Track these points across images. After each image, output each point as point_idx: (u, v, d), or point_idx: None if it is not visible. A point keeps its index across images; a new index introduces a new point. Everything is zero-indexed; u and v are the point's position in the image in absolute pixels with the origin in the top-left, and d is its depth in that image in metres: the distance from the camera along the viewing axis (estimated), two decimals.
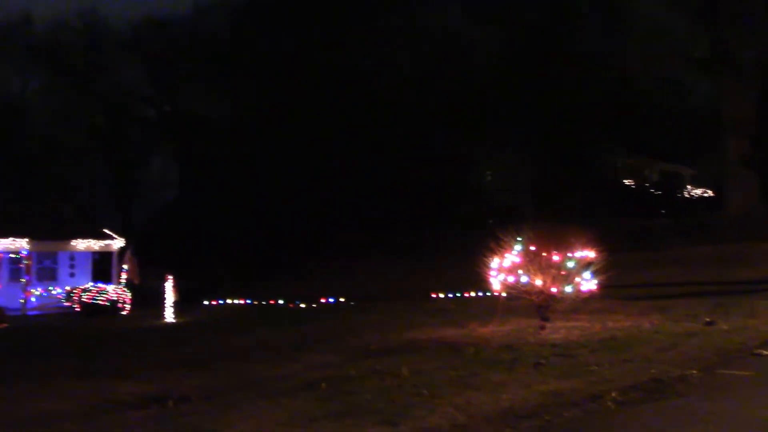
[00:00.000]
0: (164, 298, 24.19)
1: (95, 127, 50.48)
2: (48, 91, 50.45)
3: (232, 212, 42.90)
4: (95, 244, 29.05)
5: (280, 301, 28.04)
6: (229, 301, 29.82)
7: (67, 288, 28.25)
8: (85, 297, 27.08)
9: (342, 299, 26.87)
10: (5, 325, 23.39)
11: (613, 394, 8.58)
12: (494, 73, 41.21)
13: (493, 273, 15.31)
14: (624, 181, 47.90)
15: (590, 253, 14.65)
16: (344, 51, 42.45)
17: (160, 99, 51.41)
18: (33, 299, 27.53)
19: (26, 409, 9.75)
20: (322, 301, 26.92)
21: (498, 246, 15.33)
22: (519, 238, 15.00)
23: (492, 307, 17.24)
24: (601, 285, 14.86)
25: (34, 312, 26.94)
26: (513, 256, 15.00)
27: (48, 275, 29.05)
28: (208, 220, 43.47)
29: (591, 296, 14.91)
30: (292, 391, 9.73)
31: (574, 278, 14.53)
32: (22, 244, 26.79)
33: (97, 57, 50.33)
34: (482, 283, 16.12)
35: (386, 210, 39.95)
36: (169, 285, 24.21)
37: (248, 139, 44.26)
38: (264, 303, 28.44)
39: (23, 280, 27.12)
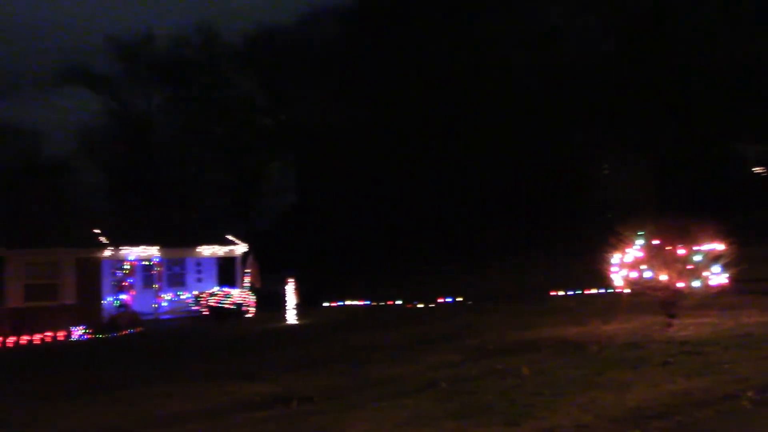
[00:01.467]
0: (285, 301, 24.87)
1: (216, 137, 52.50)
2: (171, 106, 52.90)
3: (350, 215, 43.56)
4: (219, 250, 30.22)
5: (398, 302, 28.24)
6: (348, 302, 30.31)
7: (195, 292, 29.53)
8: (212, 301, 28.21)
9: (459, 299, 26.76)
10: (140, 329, 24.69)
11: (749, 394, 8.11)
12: (610, 61, 39.98)
13: (614, 269, 14.81)
14: (754, 170, 45.33)
15: (719, 246, 13.90)
16: (458, 50, 42.34)
17: (276, 108, 52.89)
18: (164, 304, 28.93)
19: (159, 410, 10.23)
20: (440, 301, 26.91)
21: (618, 240, 14.81)
22: (641, 232, 14.43)
23: (614, 304, 16.73)
24: (732, 279, 14.09)
25: (166, 316, 28.29)
26: (635, 250, 14.44)
27: (177, 281, 30.44)
28: (326, 224, 44.33)
29: (721, 291, 14.16)
30: (412, 391, 9.76)
31: (701, 272, 13.84)
32: (153, 251, 28.20)
33: (215, 70, 52.38)
34: (603, 280, 15.62)
35: (501, 207, 39.49)
36: (290, 288, 24.87)
37: (364, 143, 44.83)
38: (382, 304, 28.73)
39: (155, 286, 28.54)
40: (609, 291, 19.88)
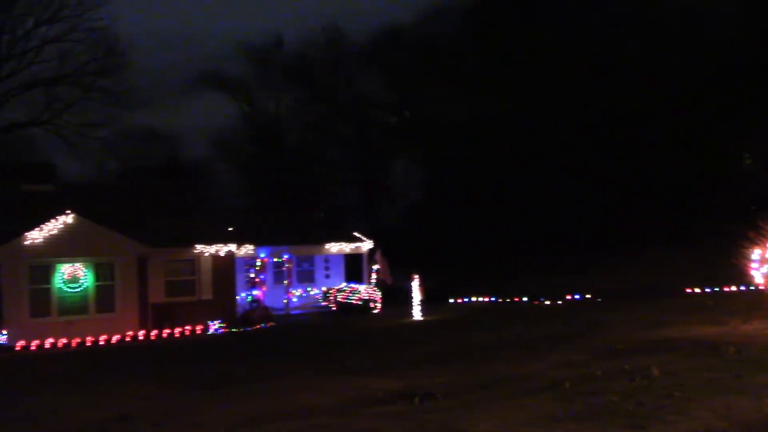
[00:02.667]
0: (411, 297, 25.06)
1: (342, 136, 53.55)
2: (299, 107, 54.40)
3: (477, 211, 43.30)
4: (347, 247, 30.83)
5: (525, 299, 27.86)
6: (474, 299, 30.19)
7: (324, 288, 30.29)
8: (340, 297, 28.85)
9: (588, 296, 26.09)
10: (272, 323, 25.58)
11: None
12: (752, 47, 37.69)
13: (754, 265, 13.99)
14: None
15: None
16: (587, 40, 41.20)
17: (401, 105, 53.31)
18: (294, 299, 29.84)
19: (290, 403, 10.58)
20: (568, 298, 26.33)
21: (760, 235, 13.98)
22: None
23: (755, 302, 15.80)
24: None
25: (296, 311, 29.17)
26: None
27: (306, 277, 31.33)
28: (451, 219, 44.27)
29: None
30: (535, 391, 9.63)
31: None
32: (283, 249, 29.13)
33: (342, 70, 53.43)
34: (743, 277, 14.79)
35: (634, 202, 38.11)
36: (415, 284, 25.04)
37: (490, 138, 44.41)
38: (508, 300, 28.44)
39: (285, 282, 29.48)
40: (750, 288, 18.81)
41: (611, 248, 34.86)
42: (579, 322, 18.49)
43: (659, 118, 38.98)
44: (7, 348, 21.47)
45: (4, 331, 21.75)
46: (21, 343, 21.56)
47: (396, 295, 28.69)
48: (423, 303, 24.89)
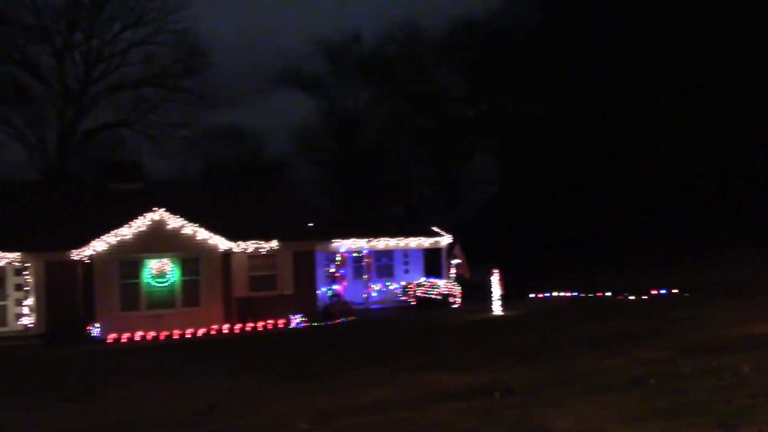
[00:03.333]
0: (491, 292, 24.89)
1: (420, 131, 53.54)
2: (377, 102, 54.69)
3: (556, 205, 42.63)
4: (425, 242, 30.84)
5: (608, 294, 27.26)
6: (554, 293, 29.72)
7: (403, 283, 30.39)
8: (419, 291, 28.90)
9: (675, 291, 25.32)
10: (352, 317, 25.84)
11: None
12: None
13: None
14: None
15: None
16: (666, 32, 39.97)
17: (477, 98, 52.94)
18: (374, 294, 30.05)
19: (366, 397, 10.66)
20: (653, 293, 25.63)
21: None
22: None
23: None
24: None
25: (375, 306, 29.38)
26: None
27: (385, 272, 31.50)
28: (531, 213, 43.73)
29: None
30: (618, 387, 9.41)
31: None
32: (362, 244, 29.38)
33: (418, 65, 53.42)
34: None
35: (720, 195, 36.77)
36: (495, 279, 24.85)
37: (570, 131, 43.64)
38: (591, 296, 27.88)
39: (365, 276, 29.72)
40: None
41: (697, 243, 33.74)
42: (665, 317, 17.98)
43: (745, 110, 37.46)
44: (99, 340, 22.39)
45: (97, 324, 22.67)
46: (112, 335, 22.44)
47: (475, 290, 28.52)
48: (502, 298, 24.68)
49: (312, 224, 27.24)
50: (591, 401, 8.70)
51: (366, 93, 54.98)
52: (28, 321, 23.45)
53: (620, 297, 26.06)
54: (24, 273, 23.70)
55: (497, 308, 24.46)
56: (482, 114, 52.82)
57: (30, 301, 23.50)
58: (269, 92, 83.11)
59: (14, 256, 23.24)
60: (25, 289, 23.74)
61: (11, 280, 24.03)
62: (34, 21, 42.71)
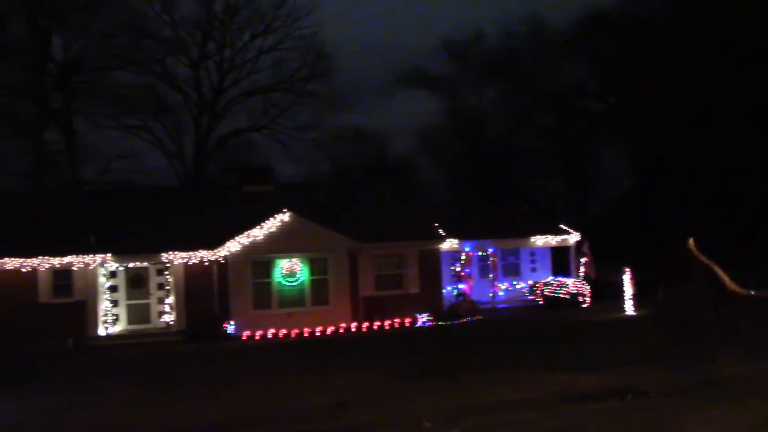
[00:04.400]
0: (622, 291, 24.04)
1: (546, 127, 52.51)
2: (502, 99, 54.08)
3: (694, 201, 40.61)
4: (552, 240, 30.18)
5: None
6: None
7: (530, 282, 29.86)
8: (547, 290, 28.31)
9: None
10: (478, 317, 25.66)
11: None
12: None
13: None
14: None
15: None
16: None
17: (605, 92, 51.29)
18: (500, 293, 29.70)
19: (491, 397, 10.56)
20: None
21: None
22: None
23: None
24: None
25: (502, 305, 29.02)
26: None
27: (512, 270, 31.05)
28: (666, 210, 41.88)
29: None
30: (762, 393, 8.86)
31: None
32: (488, 242, 29.09)
33: (543, 60, 52.39)
34: None
35: None
36: (626, 278, 24.00)
37: (706, 125, 41.48)
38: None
39: (491, 275, 29.43)
40: None
41: None
42: None
43: None
44: (234, 337, 23.32)
45: (232, 322, 23.62)
46: (246, 332, 23.32)
47: (605, 289, 27.62)
48: (634, 297, 23.79)
49: (437, 223, 27.24)
50: (731, 406, 8.25)
51: (490, 90, 54.51)
52: (169, 318, 24.73)
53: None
54: (165, 273, 25.02)
55: (629, 308, 23.61)
56: (612, 107, 51.12)
57: (171, 299, 24.78)
58: (393, 93, 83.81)
59: (156, 256, 24.55)
60: (166, 288, 25.06)
61: (154, 280, 25.43)
62: (172, 34, 45.09)
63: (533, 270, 30.89)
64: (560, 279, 28.69)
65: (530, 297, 29.23)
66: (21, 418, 12.77)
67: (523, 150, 52.89)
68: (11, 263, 22.99)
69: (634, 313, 23.19)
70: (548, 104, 51.86)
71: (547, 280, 29.06)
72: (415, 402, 10.76)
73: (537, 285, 29.10)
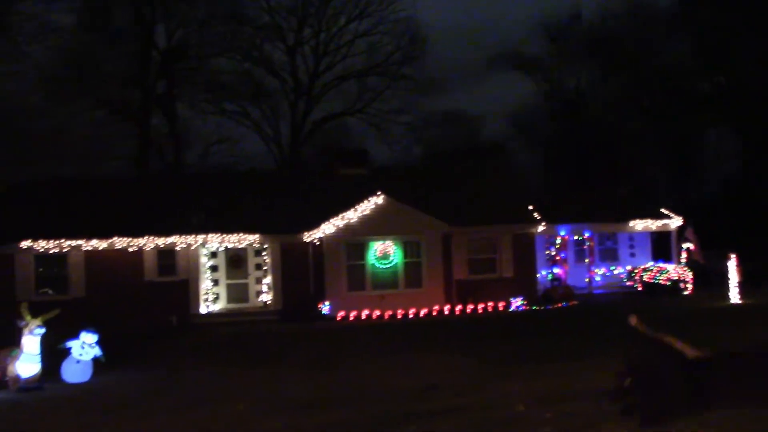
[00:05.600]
0: (727, 279, 23.10)
1: (647, 108, 50.80)
2: (600, 80, 52.61)
3: None
4: (652, 224, 29.24)
5: None
6: None
7: (628, 267, 29.05)
8: (646, 276, 27.49)
9: None
10: (574, 302, 25.19)
11: None
12: None
13: None
14: None
15: None
16: None
17: (712, 71, 49.08)
18: (597, 278, 29.05)
19: (583, 384, 10.35)
20: None
21: None
22: None
23: None
24: None
25: (599, 291, 28.38)
26: None
27: (609, 255, 30.29)
28: None
29: None
30: None
31: None
32: (584, 226, 28.44)
33: (643, 39, 50.57)
34: None
35: None
36: (732, 264, 23.04)
37: None
38: None
39: (587, 260, 28.81)
40: None
41: None
42: None
43: None
44: (329, 317, 23.74)
45: (327, 302, 24.04)
46: (341, 313, 23.69)
47: (708, 277, 26.62)
48: (741, 285, 22.81)
49: (532, 207, 26.85)
50: None
51: (588, 71, 53.12)
52: (266, 298, 25.39)
53: None
54: (262, 254, 25.67)
55: (734, 296, 22.67)
56: (718, 87, 48.91)
57: (268, 279, 25.42)
58: (487, 76, 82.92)
59: (254, 237, 25.21)
60: (263, 268, 25.73)
61: (252, 260, 26.15)
62: (269, 21, 45.98)
63: (632, 255, 30.05)
64: (661, 265, 27.81)
65: (628, 283, 28.44)
66: (128, 390, 13.42)
67: (622, 132, 51.34)
68: (120, 243, 24.10)
69: (740, 302, 22.26)
70: (650, 84, 50.10)
71: (647, 265, 28.20)
72: (507, 386, 10.68)
73: (636, 270, 28.28)
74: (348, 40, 47.09)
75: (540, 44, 61.95)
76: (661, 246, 30.15)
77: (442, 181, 28.97)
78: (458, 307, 24.41)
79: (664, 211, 29.83)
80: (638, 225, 29.06)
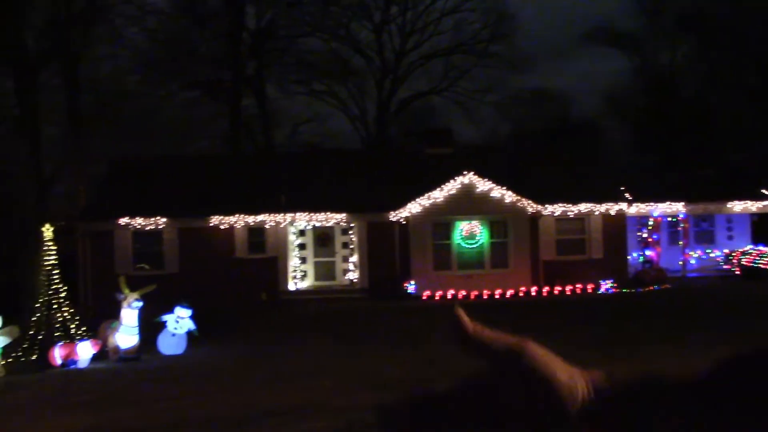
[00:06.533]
0: None
1: (747, 85, 48.54)
2: (696, 56, 50.58)
3: None
4: (752, 206, 27.97)
5: None
6: None
7: (726, 251, 27.95)
8: (745, 260, 26.39)
9: None
10: (666, 285, 24.46)
11: None
12: None
13: None
14: None
15: None
16: None
17: None
18: (692, 261, 28.08)
19: (682, 368, 10.04)
20: None
21: None
22: None
23: None
24: None
25: (693, 274, 27.44)
26: None
27: (705, 238, 29.21)
28: None
29: None
30: None
31: None
32: (678, 207, 27.49)
33: (746, 11, 48.21)
34: None
35: None
36: None
37: None
38: None
39: (681, 242, 27.87)
40: None
41: None
42: None
43: None
44: (415, 297, 23.82)
45: (412, 282, 24.11)
46: (426, 293, 23.73)
47: None
48: None
49: (623, 187, 26.13)
50: None
51: (684, 47, 51.14)
52: (353, 276, 25.67)
53: None
54: (349, 232, 25.94)
55: None
56: None
57: (354, 258, 25.68)
58: (576, 53, 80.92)
59: (341, 216, 25.48)
60: (350, 247, 26.00)
61: (339, 239, 26.47)
62: None
63: (730, 238, 28.90)
64: (761, 248, 26.63)
65: (725, 266, 27.37)
66: (220, 364, 13.83)
67: (720, 110, 49.28)
68: (212, 221, 24.79)
69: None
70: (751, 60, 47.83)
71: (746, 248, 27.06)
72: (603, 369, 10.47)
73: (733, 254, 27.17)
74: (435, 18, 46.74)
75: (634, 19, 60.07)
76: (762, 228, 28.85)
77: (530, 160, 28.51)
78: (545, 289, 24.07)
79: (765, 191, 28.51)
80: (736, 206, 27.89)
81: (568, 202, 25.28)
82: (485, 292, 23.64)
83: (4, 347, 14.29)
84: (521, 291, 23.84)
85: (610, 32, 52.97)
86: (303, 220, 25.08)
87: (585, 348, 12.83)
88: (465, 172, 24.47)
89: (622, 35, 52.79)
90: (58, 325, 15.77)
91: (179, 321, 15.67)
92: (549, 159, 28.66)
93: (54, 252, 16.22)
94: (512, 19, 47.06)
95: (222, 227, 24.84)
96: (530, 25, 72.27)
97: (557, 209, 25.10)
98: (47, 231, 16.30)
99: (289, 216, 24.88)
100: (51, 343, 15.28)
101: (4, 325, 14.16)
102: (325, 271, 26.29)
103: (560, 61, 73.51)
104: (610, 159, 33.39)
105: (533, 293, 23.86)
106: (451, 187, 24.50)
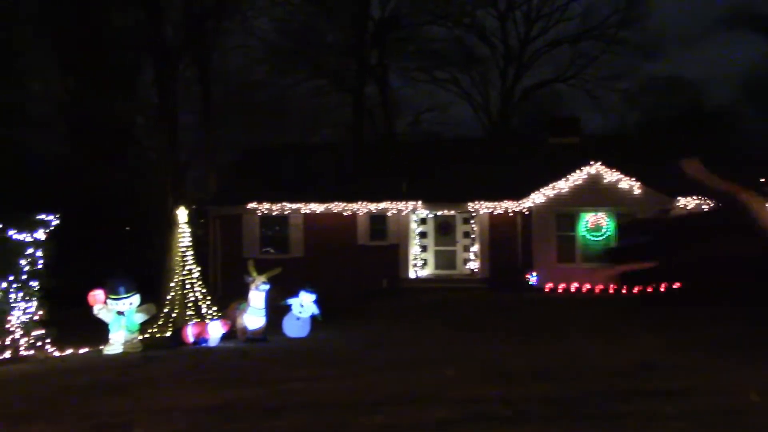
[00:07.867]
0: None
1: None
2: None
3: None
4: None
5: None
6: None
7: None
8: None
9: None
10: None
11: None
12: None
13: None
14: None
15: None
16: None
17: None
18: None
19: None
20: None
21: None
22: None
23: None
24: None
25: None
26: None
27: None
28: None
29: None
30: None
31: None
32: None
33: None
34: None
35: None
36: None
37: None
38: None
39: None
40: None
41: None
42: None
43: None
44: (537, 288, 23.43)
45: (534, 273, 23.70)
46: (549, 285, 23.28)
47: None
48: None
49: (763, 179, 24.62)
50: None
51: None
52: (473, 266, 25.51)
53: None
54: (471, 222, 25.78)
55: None
56: None
57: (475, 248, 25.50)
58: (712, 38, 76.76)
59: (462, 205, 25.34)
60: (471, 237, 25.84)
61: (460, 228, 26.36)
62: None
63: None
64: None
65: None
66: (342, 348, 14.09)
67: None
68: (335, 207, 25.26)
69: None
70: None
71: None
72: (734, 372, 9.92)
73: None
74: (562, 4, 45.51)
75: None
76: None
77: (661, 151, 27.34)
78: (675, 285, 23.04)
79: None
80: None
81: (702, 195, 24.07)
82: (611, 286, 22.91)
83: (142, 324, 15.11)
84: (649, 287, 22.92)
85: (749, 14, 49.96)
86: (424, 208, 25.13)
87: (722, 346, 12.25)
88: (592, 162, 23.78)
89: (762, 17, 49.70)
90: (190, 305, 16.52)
91: (304, 305, 16.05)
92: (682, 149, 27.36)
93: (188, 234, 16.99)
94: (644, 3, 45.07)
95: (345, 214, 25.26)
96: (665, 8, 69.21)
97: (690, 203, 23.98)
98: (182, 214, 17.08)
99: (410, 204, 24.99)
100: (184, 321, 16.04)
101: (142, 303, 14.96)
102: (445, 259, 26.26)
103: (694, 47, 70.02)
104: (753, 150, 31.51)
105: (662, 289, 22.86)
106: (577, 177, 23.87)
